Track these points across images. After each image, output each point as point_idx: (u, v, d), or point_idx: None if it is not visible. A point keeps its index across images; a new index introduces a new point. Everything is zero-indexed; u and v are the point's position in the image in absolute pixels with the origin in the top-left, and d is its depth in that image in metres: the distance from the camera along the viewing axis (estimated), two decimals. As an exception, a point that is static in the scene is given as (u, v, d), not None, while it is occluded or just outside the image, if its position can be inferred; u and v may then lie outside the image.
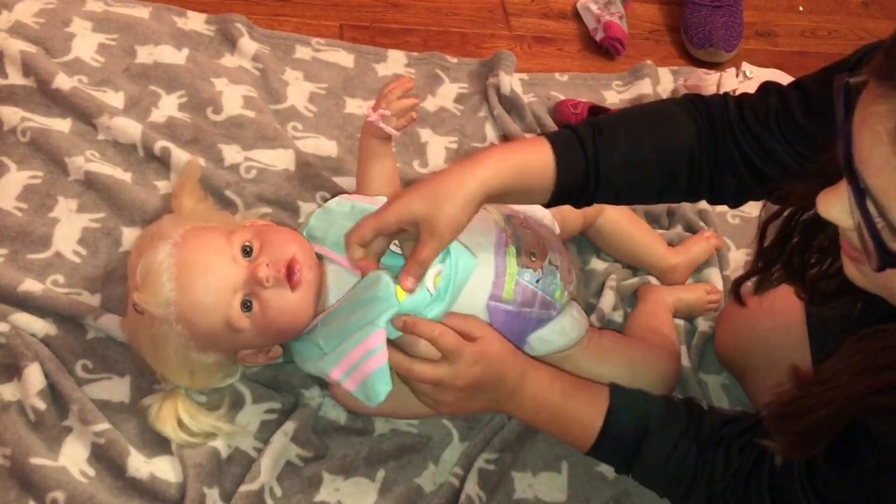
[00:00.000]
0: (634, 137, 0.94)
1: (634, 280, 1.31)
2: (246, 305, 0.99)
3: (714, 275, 1.33)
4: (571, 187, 0.94)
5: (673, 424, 0.95)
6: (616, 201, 1.00)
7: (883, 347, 0.73)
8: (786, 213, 0.84)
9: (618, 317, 1.27)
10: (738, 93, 1.60)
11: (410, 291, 0.92)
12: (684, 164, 0.95)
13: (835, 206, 0.67)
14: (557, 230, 1.19)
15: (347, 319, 0.97)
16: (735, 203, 1.01)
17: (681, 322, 1.27)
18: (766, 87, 0.97)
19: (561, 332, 1.10)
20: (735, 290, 0.95)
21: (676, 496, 0.98)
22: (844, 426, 0.78)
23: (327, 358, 0.99)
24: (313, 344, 1.02)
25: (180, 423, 1.04)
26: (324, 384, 1.11)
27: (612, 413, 0.96)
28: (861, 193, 0.63)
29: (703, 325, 1.27)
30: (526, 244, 1.07)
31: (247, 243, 1.01)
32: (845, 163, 0.63)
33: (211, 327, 0.99)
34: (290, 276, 0.99)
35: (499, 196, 0.92)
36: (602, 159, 0.93)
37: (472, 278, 0.98)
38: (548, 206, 0.97)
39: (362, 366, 0.95)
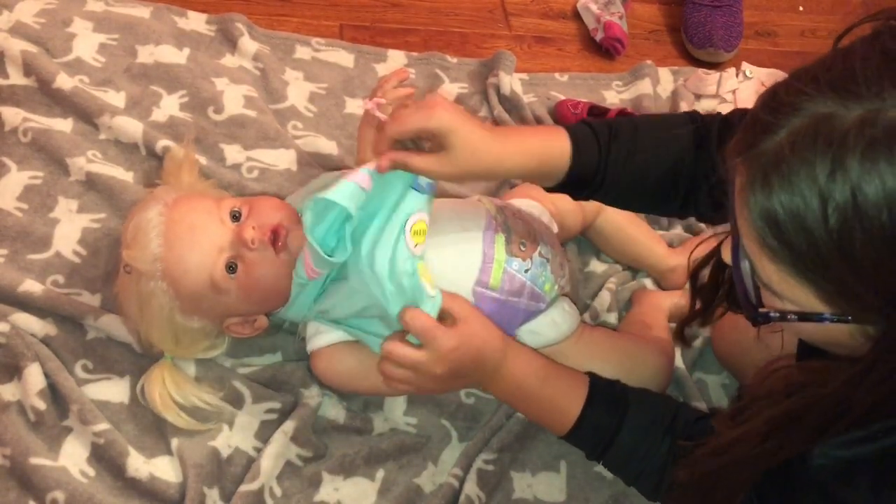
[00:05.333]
0: (641, 146, 0.96)
1: (632, 283, 1.31)
2: (231, 268, 1.01)
3: (713, 276, 1.33)
4: (579, 180, 0.96)
5: (647, 415, 0.96)
6: (612, 202, 1.02)
7: (787, 384, 0.74)
8: (715, 252, 0.86)
9: (612, 318, 1.27)
10: (738, 92, 1.59)
11: (381, 170, 0.91)
12: (679, 178, 0.97)
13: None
14: (555, 229, 1.19)
15: None
16: (714, 219, 1.03)
17: (679, 323, 1.27)
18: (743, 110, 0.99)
19: (552, 324, 1.10)
20: (679, 334, 1.00)
21: (646, 486, 0.98)
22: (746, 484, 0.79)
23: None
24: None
25: (168, 393, 1.05)
26: (323, 384, 1.11)
27: (589, 402, 0.97)
28: (737, 247, 0.66)
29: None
30: (516, 233, 1.08)
31: (236, 208, 1.04)
32: (732, 216, 0.66)
33: (195, 286, 1.01)
34: (275, 240, 1.02)
35: (514, 176, 0.98)
36: (611, 160, 0.96)
37: (458, 262, 0.98)
38: (550, 191, 0.99)
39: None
